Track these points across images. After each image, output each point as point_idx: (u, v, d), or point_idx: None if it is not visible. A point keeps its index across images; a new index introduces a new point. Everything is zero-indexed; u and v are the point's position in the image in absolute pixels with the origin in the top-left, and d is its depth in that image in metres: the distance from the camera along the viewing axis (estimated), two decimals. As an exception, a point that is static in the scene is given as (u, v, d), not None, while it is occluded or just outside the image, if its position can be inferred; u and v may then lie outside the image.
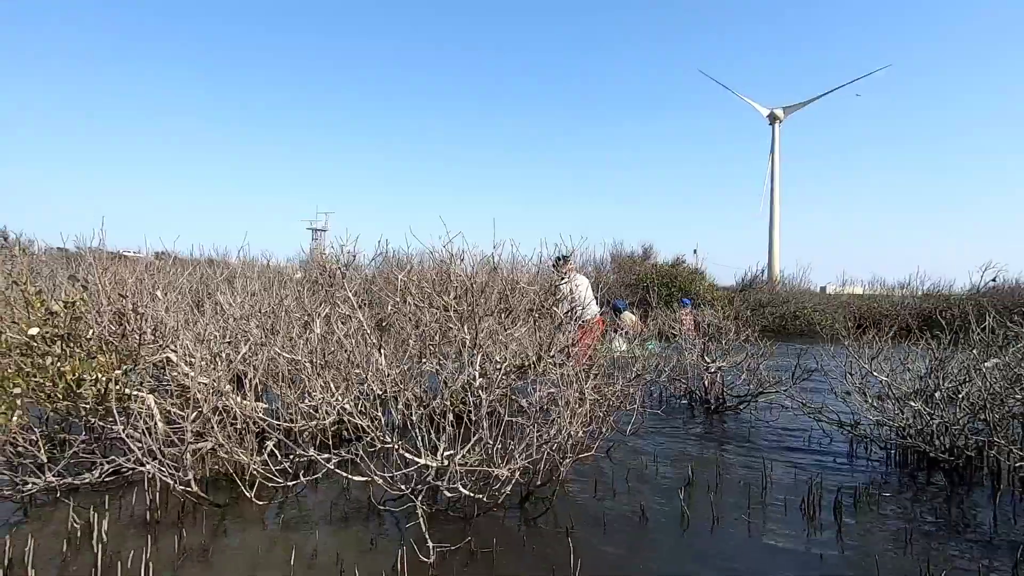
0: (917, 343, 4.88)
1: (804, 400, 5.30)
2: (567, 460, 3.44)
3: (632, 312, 11.31)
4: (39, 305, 3.08)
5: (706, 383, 6.44)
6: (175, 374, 3.92)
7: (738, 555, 3.05)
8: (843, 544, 3.17)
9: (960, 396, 4.18)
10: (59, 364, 3.02)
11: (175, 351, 3.82)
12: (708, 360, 6.50)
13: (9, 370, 2.79)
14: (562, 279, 6.06)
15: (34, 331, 2.98)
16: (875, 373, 4.73)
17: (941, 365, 4.41)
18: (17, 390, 2.80)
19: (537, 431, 3.37)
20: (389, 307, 5.25)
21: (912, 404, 4.26)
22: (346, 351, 3.80)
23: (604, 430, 3.74)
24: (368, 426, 3.27)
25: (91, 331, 3.15)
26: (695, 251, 20.94)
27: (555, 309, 5.87)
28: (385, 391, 3.80)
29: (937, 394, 4.29)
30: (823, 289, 24.52)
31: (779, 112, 42.06)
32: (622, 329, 8.15)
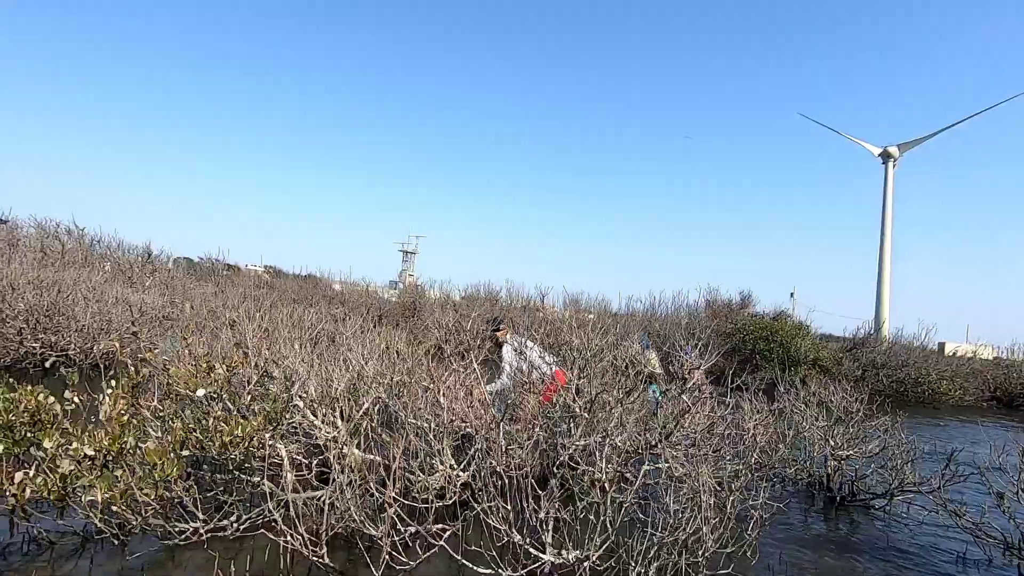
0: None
1: (955, 504, 4.67)
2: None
3: (653, 351, 9.37)
4: (205, 366, 3.37)
5: (829, 470, 5.89)
6: (306, 425, 4.12)
7: None
8: None
9: None
10: (217, 424, 3.25)
11: (310, 411, 4.01)
12: (832, 444, 5.95)
13: (180, 430, 3.04)
14: (500, 344, 6.11)
15: (201, 392, 3.24)
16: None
17: None
18: (185, 452, 3.03)
19: (664, 530, 3.18)
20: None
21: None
22: (469, 425, 3.82)
23: (751, 535, 3.45)
24: (491, 510, 3.23)
25: (248, 395, 3.39)
26: (792, 295, 19.53)
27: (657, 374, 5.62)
28: (505, 465, 3.76)
29: None
30: (941, 346, 22.01)
31: (893, 150, 38.36)
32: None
